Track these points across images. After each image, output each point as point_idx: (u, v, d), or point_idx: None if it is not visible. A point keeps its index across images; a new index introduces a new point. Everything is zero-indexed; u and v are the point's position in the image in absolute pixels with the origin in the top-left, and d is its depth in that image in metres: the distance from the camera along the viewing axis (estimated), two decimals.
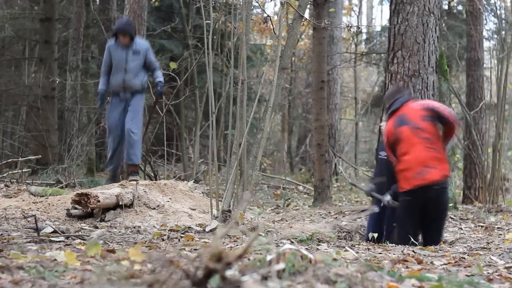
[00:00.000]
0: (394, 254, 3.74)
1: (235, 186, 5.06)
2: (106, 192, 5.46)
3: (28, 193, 7.06)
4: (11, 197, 6.68)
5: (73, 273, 2.36)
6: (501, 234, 5.47)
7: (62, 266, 2.50)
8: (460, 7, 15.73)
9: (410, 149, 4.89)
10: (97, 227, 4.92)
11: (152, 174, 9.44)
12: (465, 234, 5.81)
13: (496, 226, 6.22)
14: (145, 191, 5.85)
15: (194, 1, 12.74)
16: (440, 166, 4.84)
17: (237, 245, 3.80)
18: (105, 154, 13.72)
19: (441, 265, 3.26)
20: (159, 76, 7.25)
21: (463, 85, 15.41)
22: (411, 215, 4.82)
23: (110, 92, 7.34)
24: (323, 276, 2.07)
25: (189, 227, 4.82)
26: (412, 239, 4.69)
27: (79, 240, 3.90)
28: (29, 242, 3.62)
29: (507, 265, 3.25)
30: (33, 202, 5.99)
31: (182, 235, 4.39)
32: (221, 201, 5.05)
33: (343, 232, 5.85)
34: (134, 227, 4.99)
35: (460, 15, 15.24)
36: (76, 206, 5.41)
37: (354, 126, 18.52)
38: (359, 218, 6.54)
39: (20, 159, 10.70)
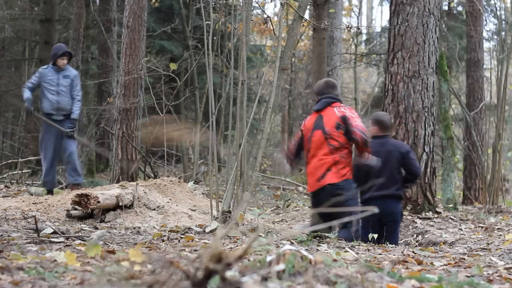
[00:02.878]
0: (394, 255, 3.74)
1: (235, 187, 5.06)
2: (106, 193, 5.46)
3: (28, 193, 7.07)
4: (11, 198, 6.68)
5: (73, 274, 2.36)
6: (501, 235, 5.47)
7: (62, 267, 2.50)
8: (460, 8, 15.74)
9: (317, 153, 4.99)
10: (97, 228, 4.92)
11: (152, 175, 9.44)
12: (465, 234, 5.81)
13: (496, 227, 6.22)
14: (145, 192, 5.85)
15: (194, 2, 12.75)
16: (338, 169, 4.92)
17: (237, 246, 3.80)
18: (105, 156, 13.76)
19: (441, 265, 3.26)
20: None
21: (463, 86, 15.41)
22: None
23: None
24: (323, 277, 2.07)
25: (189, 228, 4.82)
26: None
27: (79, 241, 3.90)
28: (29, 243, 3.62)
29: (507, 266, 3.25)
30: (33, 203, 5.99)
31: (182, 236, 4.39)
32: (221, 202, 5.05)
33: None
34: (134, 228, 4.99)
35: (460, 16, 15.25)
36: (76, 207, 5.42)
37: None
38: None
39: (20, 160, 10.71)
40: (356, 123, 4.89)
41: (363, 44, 18.79)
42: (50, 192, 7.33)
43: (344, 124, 4.91)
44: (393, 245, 4.68)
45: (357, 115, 5.07)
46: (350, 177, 4.98)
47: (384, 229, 5.15)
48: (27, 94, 7.48)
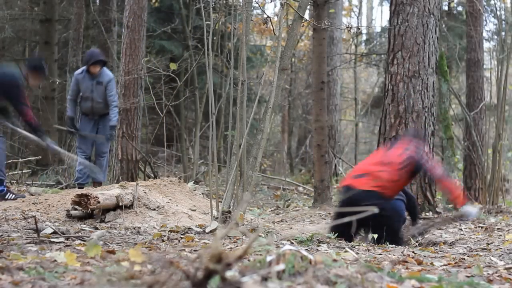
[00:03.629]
0: (394, 255, 3.74)
1: (235, 187, 5.06)
2: (106, 193, 5.46)
3: (28, 194, 7.07)
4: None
5: (73, 274, 2.36)
6: (501, 235, 5.47)
7: (62, 267, 2.51)
8: (460, 8, 15.74)
9: (371, 160, 5.17)
10: (97, 228, 4.92)
11: (152, 175, 9.44)
12: (465, 235, 5.81)
13: (496, 227, 6.21)
14: (145, 192, 5.85)
15: (194, 2, 12.75)
16: (374, 182, 4.93)
17: (237, 246, 3.80)
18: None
19: (441, 266, 3.26)
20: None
21: (463, 86, 15.41)
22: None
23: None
24: (323, 277, 2.08)
25: (189, 228, 4.82)
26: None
27: (79, 241, 3.90)
28: (29, 243, 3.62)
29: (507, 266, 3.25)
30: (33, 203, 5.99)
31: (182, 236, 4.39)
32: (221, 202, 5.05)
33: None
34: (134, 228, 4.99)
35: (460, 16, 15.25)
36: (76, 207, 5.41)
37: (354, 127, 18.51)
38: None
39: (20, 160, 10.71)
40: (430, 165, 5.01)
41: (363, 44, 18.78)
42: (81, 187, 7.53)
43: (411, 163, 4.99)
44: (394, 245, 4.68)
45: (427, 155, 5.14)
46: (385, 193, 4.95)
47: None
48: (70, 111, 7.64)
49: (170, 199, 6.10)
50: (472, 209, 5.13)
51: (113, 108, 7.56)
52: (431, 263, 3.32)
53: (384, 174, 4.94)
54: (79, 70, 7.68)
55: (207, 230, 4.73)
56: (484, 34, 13.16)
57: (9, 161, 10.41)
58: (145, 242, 4.02)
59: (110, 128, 7.61)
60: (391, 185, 4.96)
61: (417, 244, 5.08)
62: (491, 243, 4.87)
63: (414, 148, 5.07)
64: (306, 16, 8.27)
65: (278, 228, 5.71)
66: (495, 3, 11.70)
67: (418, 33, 7.31)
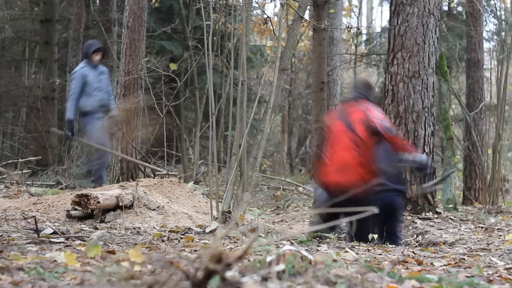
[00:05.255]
0: (394, 255, 3.74)
1: (235, 187, 5.06)
2: (106, 193, 5.46)
3: (28, 194, 7.07)
4: (11, 198, 6.68)
5: (73, 274, 2.36)
6: (501, 235, 5.47)
7: (62, 267, 2.51)
8: (460, 8, 15.75)
9: (337, 145, 4.86)
10: (97, 228, 4.92)
11: (152, 176, 9.44)
12: (465, 235, 5.81)
13: (496, 227, 6.22)
14: (145, 192, 5.84)
15: (194, 2, 12.75)
16: (357, 171, 4.74)
17: (237, 246, 3.80)
18: None
19: (441, 266, 3.26)
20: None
21: (463, 86, 15.41)
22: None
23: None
24: (323, 277, 2.08)
25: (189, 228, 4.82)
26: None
27: (79, 241, 3.90)
28: (29, 243, 3.62)
29: (507, 266, 3.25)
30: (33, 203, 5.98)
31: (182, 236, 4.39)
32: (221, 202, 5.05)
33: (343, 233, 5.85)
34: (134, 228, 4.99)
35: (460, 16, 15.25)
36: (76, 207, 5.41)
37: None
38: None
39: (20, 160, 10.71)
40: (376, 115, 4.79)
41: (363, 44, 18.79)
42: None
43: (366, 118, 4.78)
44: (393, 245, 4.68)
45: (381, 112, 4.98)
46: (368, 175, 4.80)
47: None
48: (72, 114, 7.32)
49: (170, 199, 6.10)
50: (421, 155, 5.06)
51: (113, 99, 7.63)
52: (431, 263, 3.33)
53: (357, 154, 4.75)
54: (81, 65, 7.51)
55: (207, 230, 4.73)
56: (484, 34, 13.16)
57: (9, 161, 10.41)
58: (145, 243, 4.02)
59: (115, 119, 7.59)
60: (368, 160, 4.79)
61: (417, 244, 5.09)
62: (491, 243, 4.87)
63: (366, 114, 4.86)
64: (306, 16, 8.28)
65: (278, 228, 5.71)
66: (495, 3, 11.71)
67: (418, 33, 7.31)
